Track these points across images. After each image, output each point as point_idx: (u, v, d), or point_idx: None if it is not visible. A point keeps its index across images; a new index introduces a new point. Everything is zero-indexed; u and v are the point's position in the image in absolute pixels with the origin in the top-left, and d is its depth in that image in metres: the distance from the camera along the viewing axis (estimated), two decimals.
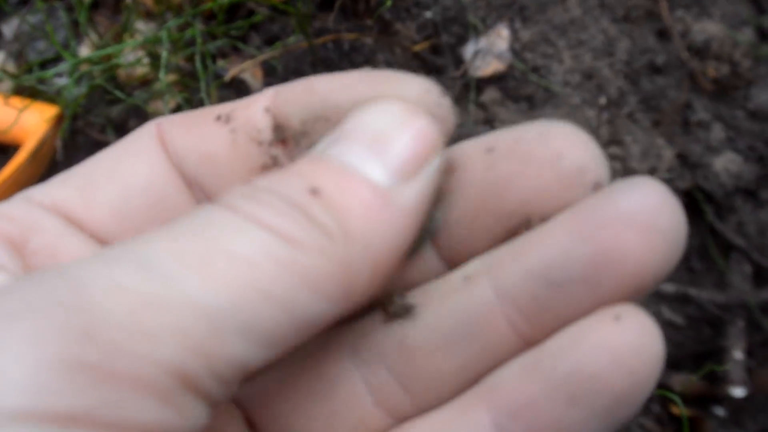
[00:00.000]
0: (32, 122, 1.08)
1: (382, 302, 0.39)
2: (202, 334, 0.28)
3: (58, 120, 1.10)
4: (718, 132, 1.18)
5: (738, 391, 1.08)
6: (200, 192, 0.39)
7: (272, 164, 0.38)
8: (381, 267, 0.33)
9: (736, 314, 1.11)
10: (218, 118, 0.38)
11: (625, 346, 0.32)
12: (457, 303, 0.37)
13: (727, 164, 1.17)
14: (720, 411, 1.08)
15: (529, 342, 0.36)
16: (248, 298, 0.29)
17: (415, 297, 0.39)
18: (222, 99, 1.10)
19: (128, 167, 0.38)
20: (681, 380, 1.09)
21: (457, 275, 0.38)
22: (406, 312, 0.38)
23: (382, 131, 0.33)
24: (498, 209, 0.36)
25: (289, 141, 0.38)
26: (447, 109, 0.36)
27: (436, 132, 0.34)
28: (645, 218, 0.32)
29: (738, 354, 1.11)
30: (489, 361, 0.37)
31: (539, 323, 0.35)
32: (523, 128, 0.36)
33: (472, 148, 0.37)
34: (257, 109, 0.38)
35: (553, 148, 0.35)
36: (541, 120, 0.36)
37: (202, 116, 0.39)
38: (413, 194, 0.33)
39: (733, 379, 1.09)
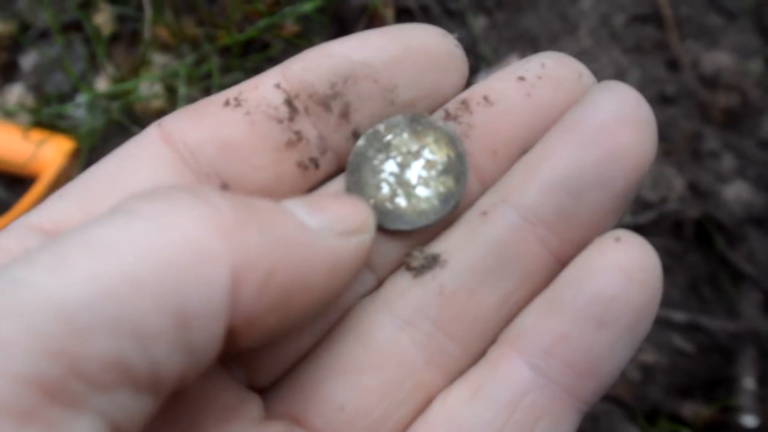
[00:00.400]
0: (50, 155, 1.09)
1: (406, 263, 0.39)
2: (61, 334, 0.25)
3: (75, 152, 1.11)
4: (728, 161, 1.19)
5: (750, 420, 1.08)
6: (220, 184, 0.37)
7: (297, 140, 0.37)
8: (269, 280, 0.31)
9: (747, 343, 1.11)
10: (227, 103, 0.37)
11: (632, 262, 0.35)
12: (485, 236, 0.38)
13: (737, 193, 1.17)
14: None
15: (561, 260, 0.37)
16: (115, 291, 0.27)
17: (438, 247, 0.39)
18: None
19: (131, 174, 0.36)
20: (692, 409, 1.10)
21: (471, 215, 0.39)
22: (432, 262, 0.38)
23: (328, 199, 0.35)
24: (533, 134, 0.38)
25: (310, 111, 0.38)
26: (460, 54, 0.38)
27: (366, 213, 0.36)
28: (630, 115, 0.35)
29: (749, 383, 1.11)
30: (529, 286, 0.38)
31: (568, 236, 0.36)
32: (541, 55, 0.39)
33: (502, 80, 0.39)
34: (268, 87, 0.38)
35: (572, 68, 0.38)
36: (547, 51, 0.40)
37: (209, 105, 0.38)
38: (338, 247, 0.33)
39: (744, 408, 1.09)
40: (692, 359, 1.12)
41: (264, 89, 0.37)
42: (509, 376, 0.37)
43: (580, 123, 0.36)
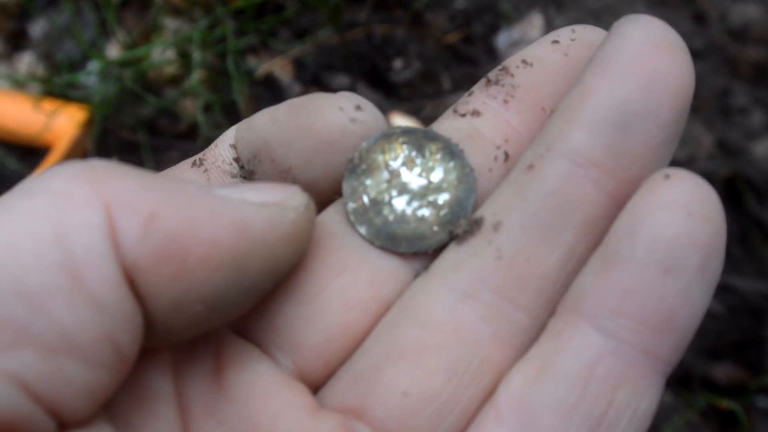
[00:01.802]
0: (62, 124, 1.07)
1: (451, 234, 0.37)
2: None
3: (89, 122, 1.09)
4: (758, 117, 1.16)
5: None
6: None
7: None
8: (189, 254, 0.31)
9: None
10: (194, 163, 0.38)
11: (689, 197, 0.32)
12: (536, 190, 0.35)
13: (767, 150, 1.14)
14: (763, 402, 1.06)
15: (621, 203, 0.34)
16: None
17: (487, 210, 0.37)
18: (254, 96, 1.08)
19: None
20: (723, 371, 1.08)
21: (516, 172, 0.36)
22: (477, 225, 0.36)
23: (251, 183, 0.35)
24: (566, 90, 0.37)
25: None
26: (363, 122, 0.37)
27: (292, 193, 0.34)
28: (662, 41, 0.33)
29: None
30: (592, 237, 0.35)
31: (623, 175, 0.34)
32: (568, 27, 0.39)
33: (536, 46, 0.39)
34: (224, 146, 0.38)
35: (601, 34, 0.38)
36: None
37: (181, 167, 0.39)
38: (246, 212, 0.32)
39: None
40: (722, 321, 1.11)
41: (221, 148, 0.39)
42: (576, 344, 0.33)
43: (613, 56, 0.34)
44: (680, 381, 1.06)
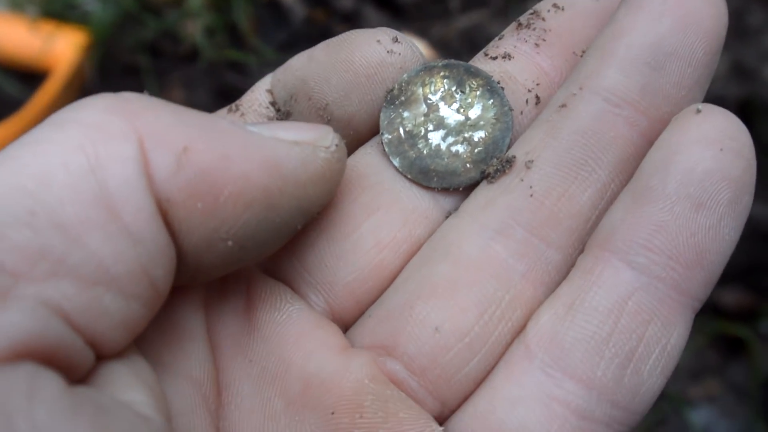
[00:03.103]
0: (62, 48, 1.05)
1: (485, 175, 0.37)
2: None
3: (88, 45, 1.07)
4: None
5: None
6: None
7: None
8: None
9: None
10: (230, 109, 0.39)
11: (721, 132, 0.32)
12: (569, 128, 0.35)
13: None
14: None
15: (651, 140, 0.35)
16: (23, 187, 0.27)
17: (519, 149, 0.37)
18: (259, 20, 1.06)
19: None
20: (732, 297, 1.08)
21: (548, 111, 0.37)
22: (509, 163, 0.36)
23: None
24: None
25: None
26: (401, 54, 0.37)
27: (324, 133, 0.34)
28: None
29: None
30: (625, 175, 0.35)
31: (656, 114, 0.34)
32: None
33: None
34: (261, 91, 0.39)
35: None
36: None
37: (217, 115, 0.39)
38: (278, 148, 0.32)
39: None
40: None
41: (257, 93, 0.39)
42: (607, 279, 0.33)
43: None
44: None
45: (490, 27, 1.10)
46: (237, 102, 0.39)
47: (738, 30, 1.15)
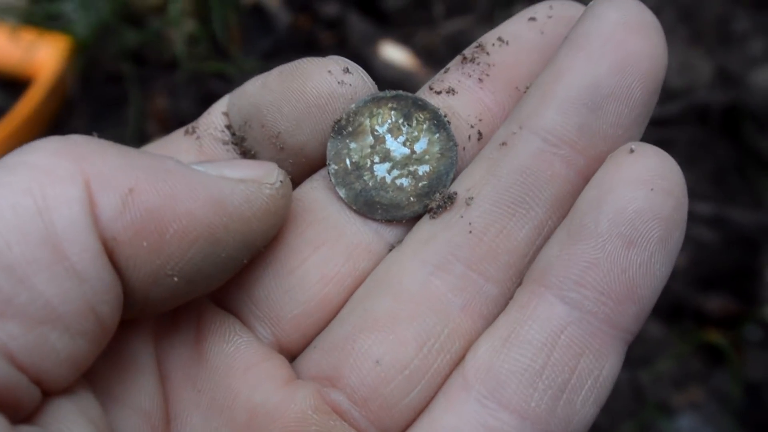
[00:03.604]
0: (44, 56, 1.04)
1: (427, 209, 0.38)
2: None
3: (71, 53, 1.06)
4: (759, 44, 1.13)
5: None
6: None
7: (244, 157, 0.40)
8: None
9: None
10: (186, 131, 0.39)
11: (652, 171, 0.33)
12: (508, 166, 0.36)
13: (767, 78, 1.12)
14: (755, 333, 1.07)
15: (588, 179, 0.36)
16: None
17: (460, 186, 0.38)
18: (244, 27, 1.05)
19: None
20: (716, 302, 1.08)
21: (489, 148, 0.37)
22: (450, 200, 0.37)
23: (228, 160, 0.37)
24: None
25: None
26: (351, 85, 0.37)
27: (269, 170, 0.35)
28: (636, 21, 0.34)
29: None
30: (561, 213, 0.36)
31: (594, 153, 0.35)
32: (546, 2, 0.39)
33: (513, 23, 0.40)
34: (217, 114, 0.39)
35: (579, 9, 0.39)
36: None
37: (174, 137, 0.40)
38: (223, 187, 0.33)
39: None
40: (716, 251, 1.10)
41: (214, 115, 0.39)
42: (541, 314, 0.34)
43: (587, 37, 0.35)
44: (671, 312, 1.06)
45: (475, 33, 1.10)
46: (193, 124, 0.39)
47: (723, 36, 1.15)
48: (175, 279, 0.32)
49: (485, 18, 1.13)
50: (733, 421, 1.00)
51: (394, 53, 1.11)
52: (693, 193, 1.13)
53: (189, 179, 0.32)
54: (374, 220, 0.38)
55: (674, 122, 1.12)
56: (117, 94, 1.06)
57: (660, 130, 1.10)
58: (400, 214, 0.38)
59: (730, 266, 1.10)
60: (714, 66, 1.14)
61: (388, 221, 0.38)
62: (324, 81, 0.37)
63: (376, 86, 0.39)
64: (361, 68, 0.38)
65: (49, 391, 0.30)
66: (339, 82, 0.37)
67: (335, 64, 0.37)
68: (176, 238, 0.31)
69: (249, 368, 0.36)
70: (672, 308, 1.06)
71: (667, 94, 1.11)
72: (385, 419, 0.36)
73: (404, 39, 1.13)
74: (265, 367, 0.36)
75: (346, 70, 0.37)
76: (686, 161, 1.19)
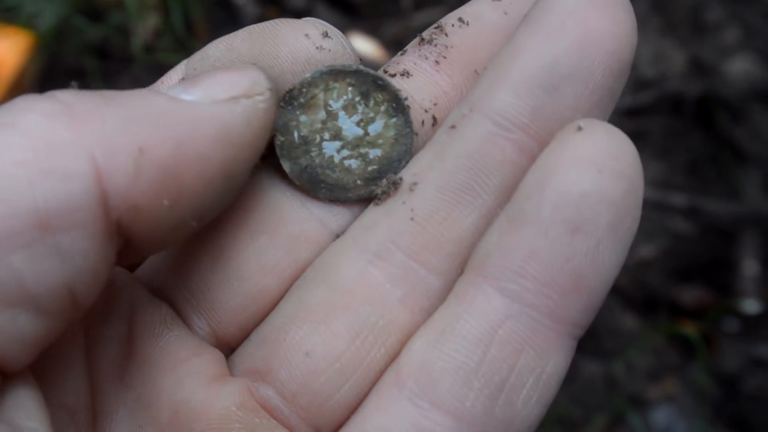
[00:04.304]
0: (2, 51, 1.02)
1: (372, 196, 0.36)
2: None
3: (32, 48, 1.05)
4: (733, 33, 1.12)
5: (751, 306, 1.06)
6: None
7: None
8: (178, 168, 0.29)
9: (749, 225, 1.08)
10: None
11: (601, 151, 0.30)
12: (455, 151, 0.34)
13: (741, 67, 1.11)
14: (732, 325, 1.06)
15: None
16: None
17: (407, 171, 0.35)
18: (214, 21, 1.04)
19: None
20: (692, 294, 1.07)
21: (439, 133, 0.35)
22: (395, 186, 0.35)
23: (207, 73, 0.33)
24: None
25: None
26: (331, 50, 0.35)
27: (254, 76, 0.32)
28: None
29: (751, 266, 1.08)
30: (509, 192, 0.33)
31: (548, 138, 0.32)
32: None
33: (478, 3, 0.37)
34: (173, 80, 0.36)
35: None
36: None
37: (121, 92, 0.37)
38: (223, 113, 0.30)
39: (745, 292, 1.06)
40: (692, 243, 1.09)
41: (170, 82, 0.36)
42: (478, 307, 0.32)
43: (546, 13, 0.32)
44: (646, 304, 1.05)
45: None
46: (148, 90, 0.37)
47: (696, 26, 1.14)
48: (194, 224, 0.30)
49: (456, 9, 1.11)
50: (708, 414, 0.99)
51: (362, 45, 1.10)
52: (667, 184, 1.12)
53: (189, 117, 0.29)
54: (317, 198, 0.36)
55: (647, 112, 1.11)
56: (80, 88, 1.04)
57: (633, 120, 1.09)
58: (345, 195, 0.36)
59: (705, 257, 1.09)
60: (687, 55, 1.13)
61: (331, 201, 0.36)
62: (300, 45, 0.34)
63: (357, 54, 0.36)
64: (341, 33, 0.35)
65: (6, 373, 0.27)
66: (317, 48, 0.34)
67: (313, 27, 0.34)
68: (192, 186, 0.29)
69: (177, 364, 0.34)
70: (647, 300, 1.06)
71: (640, 83, 1.10)
72: (316, 416, 0.34)
73: (372, 31, 1.12)
74: (193, 363, 0.34)
75: (326, 35, 0.34)
76: (660, 152, 1.18)
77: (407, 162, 0.36)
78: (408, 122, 0.36)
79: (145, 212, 0.28)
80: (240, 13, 1.10)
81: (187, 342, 0.34)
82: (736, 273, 1.08)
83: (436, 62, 0.36)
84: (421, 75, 0.36)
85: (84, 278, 0.28)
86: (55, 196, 0.26)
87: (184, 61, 0.36)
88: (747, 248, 1.09)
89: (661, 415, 1.00)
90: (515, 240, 0.31)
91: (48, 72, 1.07)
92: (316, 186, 0.36)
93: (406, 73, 0.36)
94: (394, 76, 0.37)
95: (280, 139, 0.35)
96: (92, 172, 0.27)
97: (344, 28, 1.11)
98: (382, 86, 0.36)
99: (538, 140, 0.32)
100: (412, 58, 0.37)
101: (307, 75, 0.35)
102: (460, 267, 0.33)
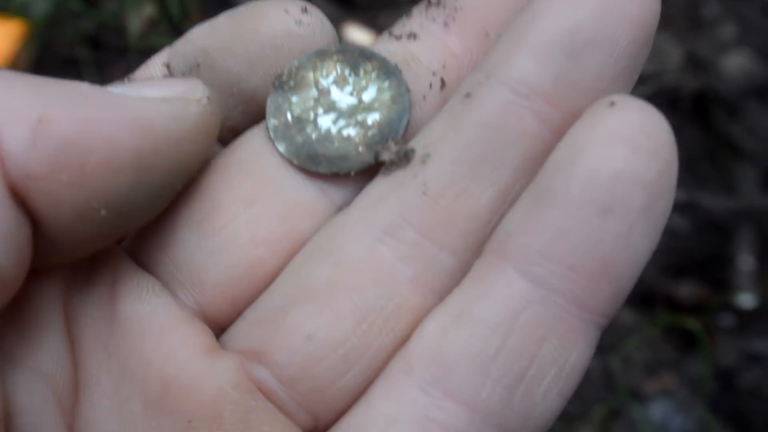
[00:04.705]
0: None
1: (379, 161, 0.34)
2: None
3: (25, 37, 1.04)
4: (729, 29, 1.12)
5: (747, 300, 1.06)
6: None
7: None
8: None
9: (745, 220, 1.09)
10: (122, 82, 0.35)
11: (635, 128, 0.28)
12: (471, 120, 0.32)
13: (738, 63, 1.11)
14: (728, 320, 1.06)
15: (562, 136, 0.31)
16: None
17: (418, 142, 0.33)
18: (205, 9, 1.03)
19: None
20: (688, 289, 1.07)
21: (453, 101, 0.33)
22: (407, 157, 0.33)
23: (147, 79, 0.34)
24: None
25: None
26: (310, 25, 0.34)
27: (192, 86, 0.32)
28: None
29: (747, 261, 1.08)
30: (531, 175, 0.31)
31: (571, 108, 0.30)
32: None
33: None
34: (157, 65, 0.35)
35: None
36: None
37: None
38: (146, 108, 0.30)
39: (741, 287, 1.06)
40: (688, 238, 1.09)
41: (152, 67, 0.35)
42: (498, 291, 0.30)
43: None
44: (643, 299, 1.05)
45: None
46: (130, 76, 0.36)
47: (693, 21, 1.14)
48: (103, 212, 0.28)
49: None
50: (705, 408, 0.98)
51: (359, 36, 1.10)
52: None
53: (107, 102, 0.28)
54: (318, 175, 0.34)
55: None
56: (72, 78, 1.03)
57: None
58: (347, 165, 0.34)
59: (701, 253, 1.09)
60: (684, 51, 1.13)
61: (335, 174, 0.34)
62: (280, 20, 0.33)
63: (335, 31, 0.35)
64: (320, 11, 0.34)
65: None
66: (296, 22, 0.33)
67: (292, 4, 0.33)
68: (99, 167, 0.28)
69: (164, 332, 0.32)
70: (643, 295, 1.05)
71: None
72: (316, 403, 0.32)
73: (369, 22, 1.11)
74: (183, 332, 0.32)
75: (305, 10, 0.33)
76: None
77: (409, 122, 0.35)
78: (401, 82, 0.35)
79: (41, 183, 0.27)
80: (236, 2, 1.09)
81: (175, 310, 0.33)
82: (731, 268, 1.07)
83: (445, 24, 0.35)
84: (428, 37, 0.35)
85: (4, 249, 0.27)
86: None
87: (167, 48, 0.35)
88: (743, 243, 1.09)
89: (657, 409, 1.00)
90: (541, 219, 0.29)
91: (41, 61, 1.06)
92: (316, 161, 0.34)
93: (412, 35, 0.35)
94: (399, 38, 0.35)
95: (273, 122, 0.34)
96: None
97: (341, 20, 1.10)
98: (369, 56, 0.35)
99: (560, 110, 0.31)
100: (419, 19, 0.35)
101: (295, 61, 0.34)
102: (476, 246, 0.32)
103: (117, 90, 0.29)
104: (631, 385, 1.00)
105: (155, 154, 0.29)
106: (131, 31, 1.03)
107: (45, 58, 1.07)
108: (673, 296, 1.06)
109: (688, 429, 0.97)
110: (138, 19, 1.00)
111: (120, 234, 0.31)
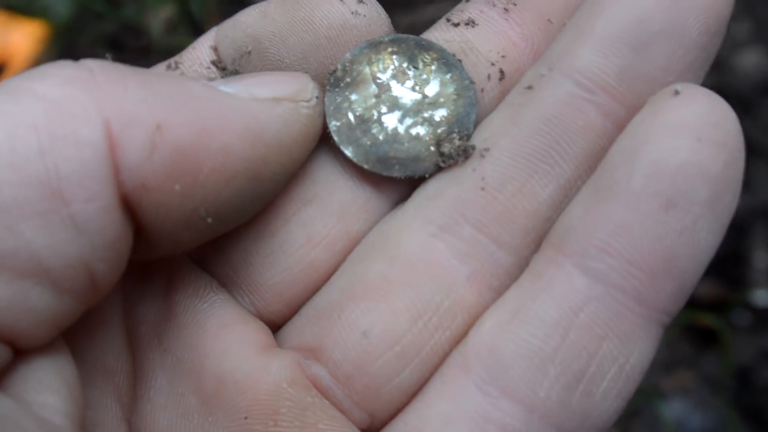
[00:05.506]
0: (18, 42, 1.02)
1: (438, 149, 0.33)
2: None
3: (47, 38, 1.04)
4: (745, 26, 1.13)
5: (763, 297, 1.06)
6: None
7: None
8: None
9: (760, 218, 1.08)
10: (168, 66, 0.35)
11: (700, 118, 0.27)
12: (532, 114, 0.31)
13: (753, 60, 1.11)
14: (743, 318, 1.06)
15: (623, 127, 0.30)
16: None
17: (477, 136, 0.33)
18: (223, 10, 1.04)
19: None
20: (703, 287, 1.07)
21: (513, 94, 0.32)
22: (466, 152, 0.32)
23: (254, 74, 0.32)
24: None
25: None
26: (366, 16, 0.33)
27: (302, 83, 0.31)
28: None
29: (761, 257, 1.08)
30: (592, 168, 0.30)
31: (636, 102, 0.30)
32: None
33: None
34: (203, 48, 0.34)
35: None
36: None
37: (157, 69, 0.35)
38: (258, 111, 0.29)
39: (756, 284, 1.06)
40: None
41: (200, 50, 0.35)
42: (557, 287, 0.29)
43: None
44: None
45: None
46: (176, 59, 0.35)
47: None
48: (209, 221, 0.28)
49: None
50: (724, 405, 0.98)
51: None
52: None
53: (221, 107, 0.28)
54: (391, 179, 0.33)
55: None
56: None
57: None
58: (422, 167, 0.33)
59: (718, 250, 1.09)
60: None
61: (409, 178, 0.33)
62: (335, 10, 0.32)
63: (390, 20, 0.34)
64: (375, 1, 0.34)
65: (22, 350, 0.26)
66: (352, 12, 0.32)
67: None
68: (211, 177, 0.27)
69: (221, 329, 0.32)
70: None
71: None
72: (371, 400, 0.31)
73: None
74: (239, 330, 0.32)
75: (360, 0, 0.32)
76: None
77: (477, 116, 0.33)
78: (464, 75, 0.33)
79: (154, 194, 0.27)
80: (254, 2, 1.10)
81: (232, 308, 0.33)
82: (748, 265, 1.08)
83: (505, 10, 0.34)
84: (487, 24, 0.34)
85: (102, 256, 0.26)
86: (66, 164, 0.25)
87: (215, 28, 0.35)
88: (759, 241, 1.09)
89: (676, 407, 1.00)
90: (602, 214, 0.28)
91: None
92: (388, 164, 0.33)
93: (471, 22, 0.34)
94: (457, 25, 0.34)
95: (334, 124, 0.33)
96: (106, 141, 0.26)
97: None
98: (426, 46, 0.34)
99: (625, 105, 0.30)
100: (478, 5, 0.34)
101: (347, 54, 0.33)
102: (534, 243, 0.31)
103: (228, 89, 0.29)
104: (649, 383, 1.00)
105: (266, 163, 0.29)
106: (153, 32, 1.03)
107: (66, 59, 1.07)
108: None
109: (707, 427, 0.98)
110: (159, 20, 1.01)
111: (215, 236, 0.31)
